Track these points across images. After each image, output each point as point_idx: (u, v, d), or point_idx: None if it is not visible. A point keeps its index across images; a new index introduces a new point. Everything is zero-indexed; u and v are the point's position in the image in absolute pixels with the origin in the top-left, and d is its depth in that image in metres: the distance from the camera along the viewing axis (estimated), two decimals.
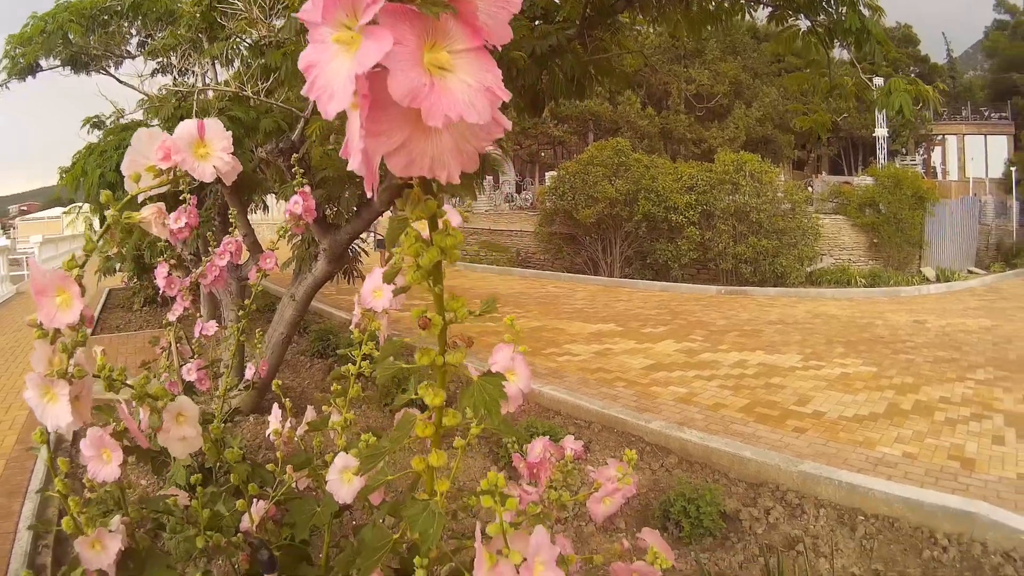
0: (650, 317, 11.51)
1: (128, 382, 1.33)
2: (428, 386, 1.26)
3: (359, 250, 8.36)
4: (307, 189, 2.06)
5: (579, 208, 17.42)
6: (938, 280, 16.14)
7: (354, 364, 1.69)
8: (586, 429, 5.84)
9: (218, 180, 1.31)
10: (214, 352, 2.24)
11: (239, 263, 4.57)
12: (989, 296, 14.01)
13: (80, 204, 10.84)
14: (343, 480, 1.54)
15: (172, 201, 1.35)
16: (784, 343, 9.25)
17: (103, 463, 1.29)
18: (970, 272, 18.33)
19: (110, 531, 1.31)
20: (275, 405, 1.98)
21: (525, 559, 1.10)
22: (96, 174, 7.57)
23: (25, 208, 33.95)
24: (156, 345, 2.49)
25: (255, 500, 1.70)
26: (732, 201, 16.02)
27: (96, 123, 8.27)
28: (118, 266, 10.75)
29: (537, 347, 8.82)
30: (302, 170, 2.31)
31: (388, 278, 1.46)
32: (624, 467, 1.48)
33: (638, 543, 1.46)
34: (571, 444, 1.58)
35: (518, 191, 27.00)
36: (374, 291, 1.40)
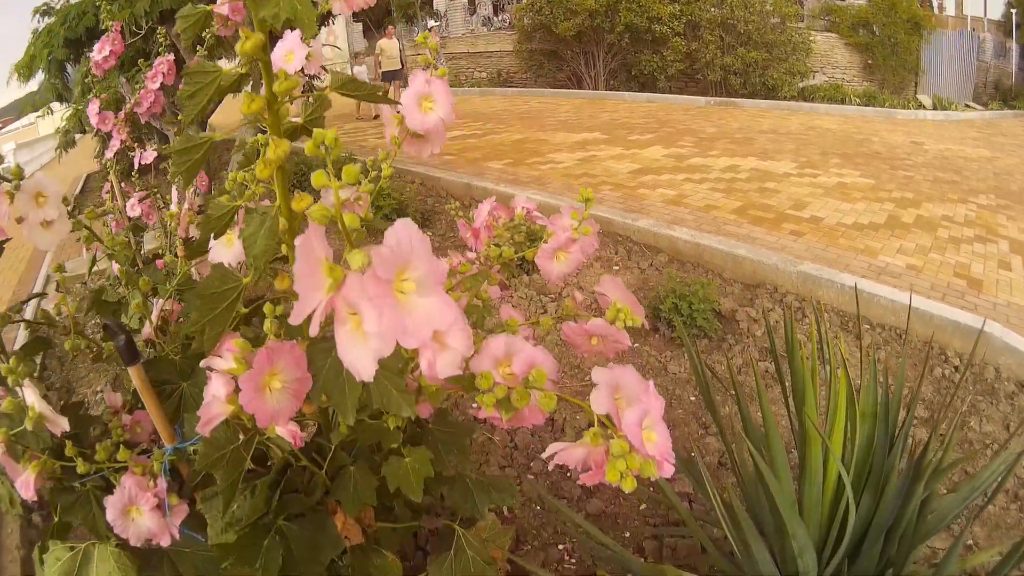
0: (637, 126, 10.91)
1: None
2: None
3: (321, 69, 7.87)
4: None
5: (558, 22, 16.53)
6: (935, 108, 15.51)
7: (263, 133, 1.26)
8: None
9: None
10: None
11: None
12: (988, 130, 13.40)
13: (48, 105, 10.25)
14: (227, 245, 1.17)
15: None
16: (777, 151, 8.69)
17: None
18: (967, 106, 17.66)
19: None
20: (173, 188, 1.75)
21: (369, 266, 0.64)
22: (45, 54, 7.60)
23: (1, 124, 32.20)
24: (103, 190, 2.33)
25: (153, 299, 1.47)
26: (718, 12, 15.22)
27: (45, 10, 7.94)
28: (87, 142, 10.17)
29: (519, 158, 8.36)
30: None
31: None
32: (580, 212, 1.16)
33: (601, 300, 1.09)
34: (523, 202, 1.32)
35: (495, 13, 25.60)
36: (286, 55, 1.05)
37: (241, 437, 1.09)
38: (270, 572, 1.15)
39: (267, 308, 0.95)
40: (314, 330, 0.66)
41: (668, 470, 0.75)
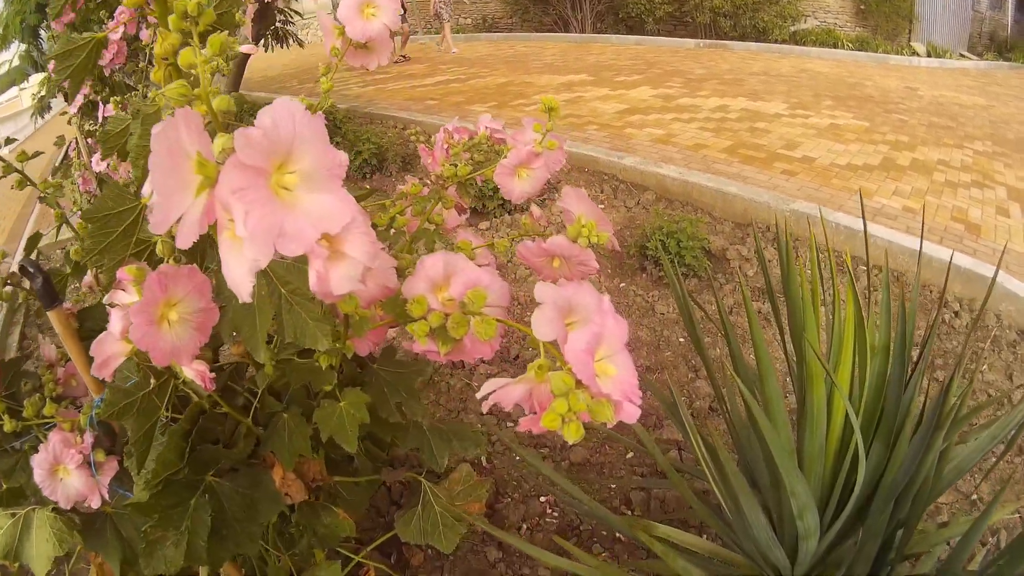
0: (624, 67, 10.59)
1: None
2: None
3: (292, 12, 8.02)
4: None
5: None
6: (929, 56, 15.22)
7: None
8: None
9: None
10: None
11: None
12: (983, 80, 13.11)
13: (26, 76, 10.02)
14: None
15: None
16: (768, 92, 8.42)
17: None
18: (962, 56, 17.35)
19: None
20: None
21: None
22: (17, 21, 7.21)
23: None
24: (62, 145, 2.26)
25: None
26: None
27: None
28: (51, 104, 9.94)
29: (504, 100, 8.11)
30: None
31: None
32: (544, 125, 1.07)
33: (564, 216, 0.96)
34: (487, 122, 1.24)
35: None
36: None
37: (153, 382, 0.92)
38: (198, 534, 0.99)
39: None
40: (185, 242, 0.48)
41: (632, 413, 0.57)
